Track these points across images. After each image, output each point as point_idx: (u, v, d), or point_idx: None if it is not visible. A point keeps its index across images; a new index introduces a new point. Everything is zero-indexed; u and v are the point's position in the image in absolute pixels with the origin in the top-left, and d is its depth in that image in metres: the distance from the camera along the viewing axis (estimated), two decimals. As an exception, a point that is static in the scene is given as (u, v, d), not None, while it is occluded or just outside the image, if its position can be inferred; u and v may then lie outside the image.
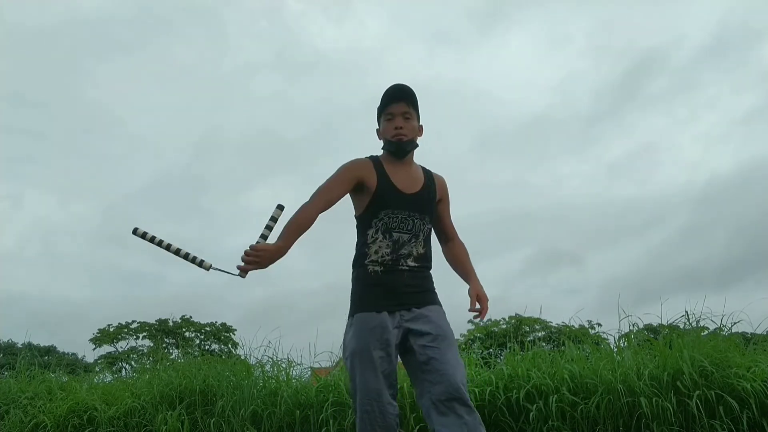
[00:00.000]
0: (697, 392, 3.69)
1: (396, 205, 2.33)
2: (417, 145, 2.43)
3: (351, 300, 2.36)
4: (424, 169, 2.50)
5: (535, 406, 3.91)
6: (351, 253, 2.44)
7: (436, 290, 2.41)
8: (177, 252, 2.17)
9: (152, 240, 2.18)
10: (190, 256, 2.17)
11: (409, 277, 2.32)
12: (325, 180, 2.33)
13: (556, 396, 3.90)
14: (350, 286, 2.40)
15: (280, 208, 2.16)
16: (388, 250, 2.31)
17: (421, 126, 2.46)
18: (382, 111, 2.42)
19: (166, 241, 2.18)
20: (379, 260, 2.31)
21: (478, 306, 2.43)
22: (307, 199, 2.27)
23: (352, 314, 2.32)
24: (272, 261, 2.14)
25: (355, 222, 2.43)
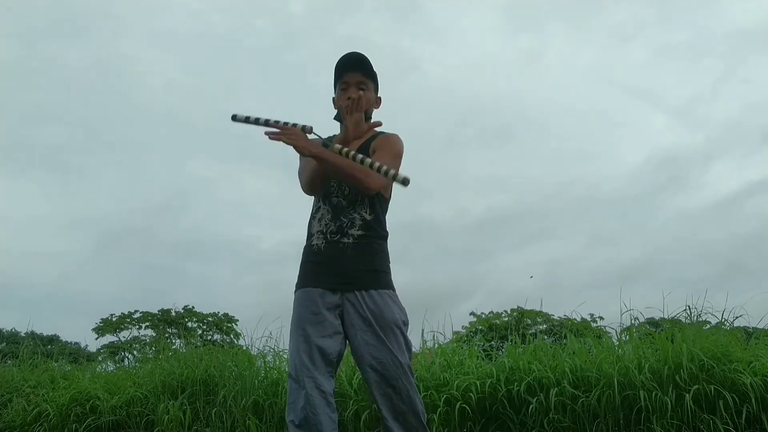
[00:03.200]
0: (696, 386, 3.69)
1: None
2: (369, 116, 2.31)
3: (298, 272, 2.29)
4: (376, 134, 2.35)
5: (535, 398, 3.91)
6: None
7: (388, 268, 2.26)
8: (277, 123, 2.12)
9: (255, 121, 2.15)
10: (290, 124, 2.11)
11: (354, 253, 2.19)
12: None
13: (556, 389, 3.91)
14: None
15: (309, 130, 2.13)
16: (329, 216, 2.23)
17: (380, 98, 2.37)
18: (337, 80, 2.33)
19: (263, 117, 2.15)
20: (323, 230, 2.23)
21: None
22: (301, 180, 2.30)
23: (295, 290, 2.26)
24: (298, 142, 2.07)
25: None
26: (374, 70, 2.31)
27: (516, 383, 4.07)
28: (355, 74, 2.28)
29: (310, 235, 2.29)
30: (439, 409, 3.96)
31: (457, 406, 3.98)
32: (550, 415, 3.84)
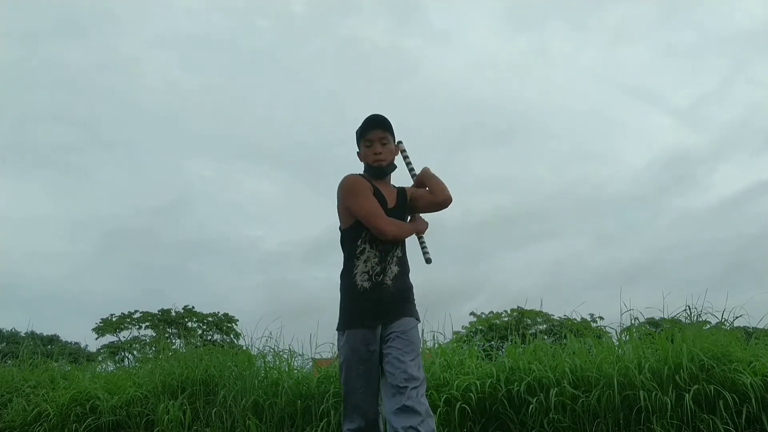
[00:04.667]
0: (696, 386, 3.69)
1: None
2: (395, 167, 2.72)
3: (341, 312, 2.60)
4: (394, 186, 2.78)
5: (536, 398, 3.91)
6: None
7: (414, 300, 2.64)
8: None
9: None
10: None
11: (394, 291, 2.55)
12: (357, 203, 2.54)
13: (556, 389, 3.91)
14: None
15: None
16: (377, 260, 2.54)
17: (397, 145, 2.74)
18: (360, 137, 2.68)
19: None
20: (369, 270, 2.53)
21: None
22: (380, 224, 2.51)
23: (342, 328, 2.56)
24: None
25: (340, 236, 2.65)
26: (390, 125, 2.69)
27: (516, 383, 4.07)
28: (376, 132, 2.65)
29: (353, 274, 2.56)
30: (439, 409, 3.96)
31: (457, 406, 3.97)
32: (550, 415, 3.83)
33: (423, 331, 5.07)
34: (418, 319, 2.61)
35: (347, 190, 2.58)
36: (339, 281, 2.63)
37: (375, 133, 2.64)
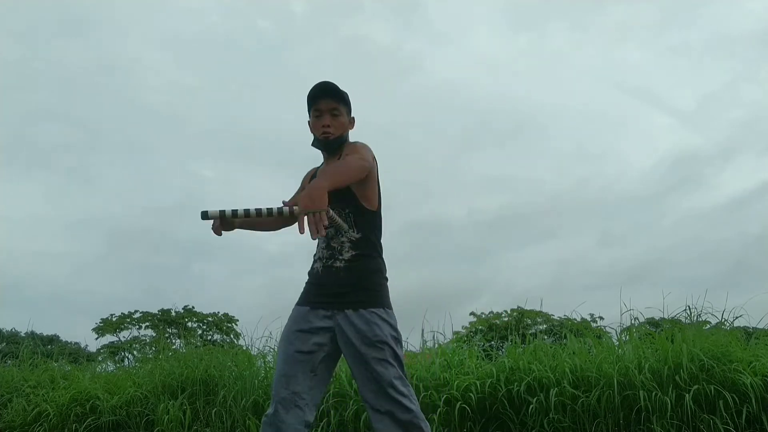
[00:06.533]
0: (696, 386, 3.69)
1: None
2: (345, 140, 2.43)
3: None
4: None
5: (535, 399, 3.91)
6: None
7: (378, 286, 2.32)
8: (259, 213, 2.16)
9: (230, 214, 2.20)
10: (274, 210, 2.15)
11: (345, 276, 2.30)
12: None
13: (556, 389, 3.91)
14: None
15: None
16: (323, 245, 2.37)
17: (353, 118, 2.48)
18: (310, 107, 2.43)
19: (238, 208, 2.19)
20: (321, 255, 2.38)
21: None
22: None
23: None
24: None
25: None
26: (344, 95, 2.42)
27: (516, 383, 4.07)
28: (327, 101, 2.39)
29: (314, 259, 2.44)
30: (439, 409, 3.96)
31: (457, 406, 3.98)
32: (550, 415, 3.83)
33: (423, 331, 5.08)
34: (381, 306, 2.27)
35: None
36: None
37: (324, 102, 2.39)
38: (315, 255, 2.45)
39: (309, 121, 2.47)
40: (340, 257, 2.33)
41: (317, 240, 2.41)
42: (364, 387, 2.22)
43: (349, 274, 2.31)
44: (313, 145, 2.46)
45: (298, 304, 2.38)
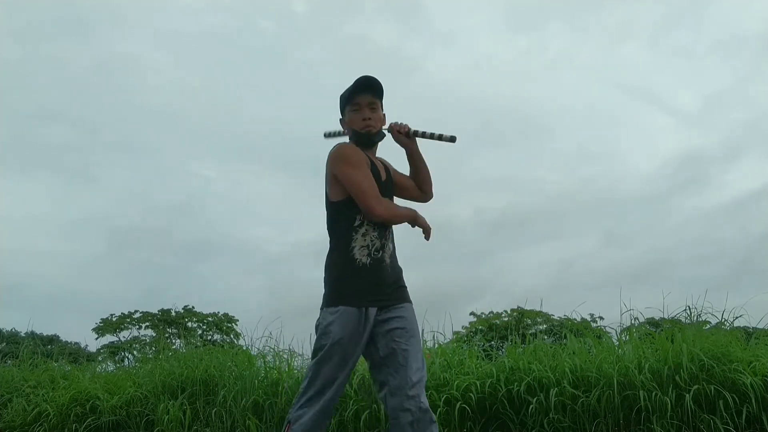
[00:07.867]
0: (696, 386, 3.69)
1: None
2: (384, 135, 2.48)
3: (332, 286, 2.31)
4: (380, 159, 2.55)
5: (535, 399, 3.91)
6: None
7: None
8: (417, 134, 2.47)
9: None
10: (428, 133, 2.47)
11: (391, 272, 2.36)
12: (351, 177, 2.28)
13: (556, 389, 3.91)
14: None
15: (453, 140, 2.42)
16: (376, 234, 2.32)
17: (385, 114, 2.50)
18: (348, 101, 2.43)
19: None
20: (368, 244, 2.30)
21: None
22: (372, 205, 2.27)
23: (335, 303, 2.25)
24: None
25: (329, 208, 2.40)
26: (383, 90, 2.45)
27: (516, 383, 4.07)
28: (366, 96, 2.41)
29: (350, 248, 2.31)
30: (439, 409, 3.96)
31: (457, 406, 3.98)
32: (550, 415, 3.83)
33: (423, 331, 5.08)
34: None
35: (342, 160, 2.31)
36: (327, 258, 2.37)
37: (365, 96, 2.39)
38: (354, 243, 2.34)
39: (341, 119, 2.51)
40: (387, 254, 2.39)
41: (360, 227, 2.35)
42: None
43: (393, 271, 2.39)
44: (352, 140, 2.45)
45: (350, 304, 2.36)
